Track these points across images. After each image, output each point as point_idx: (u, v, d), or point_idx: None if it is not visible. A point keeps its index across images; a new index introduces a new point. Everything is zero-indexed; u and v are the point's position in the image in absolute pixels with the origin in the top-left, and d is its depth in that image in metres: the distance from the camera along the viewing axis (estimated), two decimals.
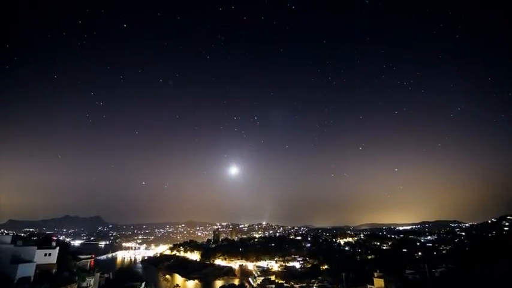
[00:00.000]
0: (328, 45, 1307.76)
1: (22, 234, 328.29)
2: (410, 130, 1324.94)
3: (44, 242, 70.49)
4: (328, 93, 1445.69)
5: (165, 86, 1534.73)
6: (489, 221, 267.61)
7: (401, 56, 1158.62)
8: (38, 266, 53.11)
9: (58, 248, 63.51)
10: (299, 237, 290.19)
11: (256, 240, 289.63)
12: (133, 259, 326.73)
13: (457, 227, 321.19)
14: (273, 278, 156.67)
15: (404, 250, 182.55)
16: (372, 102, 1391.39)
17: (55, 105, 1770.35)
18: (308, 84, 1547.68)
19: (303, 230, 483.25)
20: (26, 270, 49.64)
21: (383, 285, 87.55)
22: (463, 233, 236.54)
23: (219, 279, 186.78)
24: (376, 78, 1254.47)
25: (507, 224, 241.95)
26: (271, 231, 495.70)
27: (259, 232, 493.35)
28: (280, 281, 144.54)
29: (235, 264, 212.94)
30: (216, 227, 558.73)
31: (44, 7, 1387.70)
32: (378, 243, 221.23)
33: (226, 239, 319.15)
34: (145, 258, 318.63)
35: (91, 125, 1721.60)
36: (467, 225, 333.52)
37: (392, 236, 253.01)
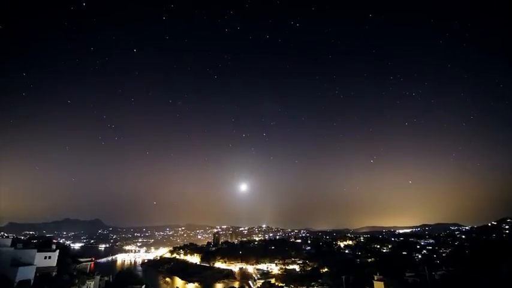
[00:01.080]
0: (333, 60, 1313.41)
1: (22, 237, 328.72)
2: (423, 140, 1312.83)
3: (44, 245, 70.54)
4: (336, 107, 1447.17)
5: (175, 107, 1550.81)
6: (489, 224, 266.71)
7: (408, 66, 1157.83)
8: (38, 269, 53.25)
9: (58, 251, 63.68)
10: (299, 240, 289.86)
11: (256, 243, 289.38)
12: (133, 262, 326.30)
13: (457, 230, 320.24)
14: (273, 281, 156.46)
15: (404, 253, 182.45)
16: (381, 114, 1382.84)
17: (69, 130, 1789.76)
18: (315, 99, 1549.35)
19: (303, 233, 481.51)
20: (26, 273, 49.79)
21: None
22: (463, 236, 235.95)
23: (219, 282, 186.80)
24: (384, 91, 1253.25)
25: (507, 227, 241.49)
26: (271, 234, 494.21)
27: (259, 235, 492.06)
28: (280, 284, 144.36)
29: (235, 267, 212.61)
30: (216, 230, 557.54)
31: (58, 35, 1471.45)
32: (378, 246, 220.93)
33: (226, 242, 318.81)
34: (146, 261, 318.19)
35: (103, 147, 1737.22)
36: (467, 228, 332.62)
37: (393, 239, 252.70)
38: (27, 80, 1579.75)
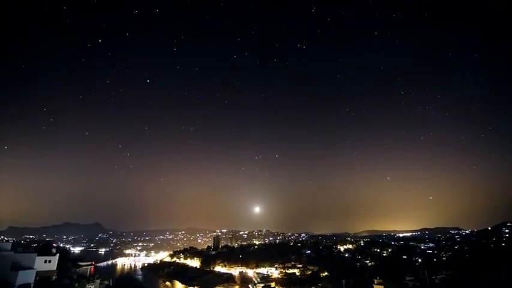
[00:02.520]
0: (342, 79, 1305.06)
1: (22, 241, 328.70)
2: (440, 154, 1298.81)
3: (44, 249, 70.75)
4: (348, 125, 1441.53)
5: (187, 132, 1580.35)
6: (489, 228, 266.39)
7: (418, 81, 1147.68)
8: (38, 273, 53.51)
9: (58, 254, 63.96)
10: (299, 244, 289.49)
11: (256, 247, 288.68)
12: (133, 266, 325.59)
13: (457, 234, 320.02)
14: (273, 284, 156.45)
15: (404, 257, 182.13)
16: (395, 130, 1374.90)
17: (87, 161, 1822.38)
18: (326, 118, 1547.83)
19: (303, 236, 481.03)
20: (26, 277, 50.02)
21: None
22: (464, 240, 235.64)
23: (219, 286, 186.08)
24: (396, 106, 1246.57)
25: (507, 230, 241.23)
26: (271, 238, 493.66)
27: (259, 239, 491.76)
28: None
29: (235, 271, 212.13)
30: (216, 234, 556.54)
31: (77, 72, 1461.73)
32: (378, 250, 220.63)
33: (226, 246, 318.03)
34: (146, 265, 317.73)
35: (118, 172, 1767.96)
36: (467, 232, 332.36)
37: (393, 243, 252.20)
38: (47, 115, 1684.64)
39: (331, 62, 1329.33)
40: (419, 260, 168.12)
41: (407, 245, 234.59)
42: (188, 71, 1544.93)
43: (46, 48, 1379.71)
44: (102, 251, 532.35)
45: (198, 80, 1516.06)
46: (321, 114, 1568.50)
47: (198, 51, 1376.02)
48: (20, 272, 49.14)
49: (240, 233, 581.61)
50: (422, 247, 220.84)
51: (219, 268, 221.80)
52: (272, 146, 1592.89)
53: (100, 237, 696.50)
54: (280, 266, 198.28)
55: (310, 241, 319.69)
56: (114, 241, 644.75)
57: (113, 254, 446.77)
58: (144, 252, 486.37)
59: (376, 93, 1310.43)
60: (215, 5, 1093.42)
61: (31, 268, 52.85)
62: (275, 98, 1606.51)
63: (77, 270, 74.52)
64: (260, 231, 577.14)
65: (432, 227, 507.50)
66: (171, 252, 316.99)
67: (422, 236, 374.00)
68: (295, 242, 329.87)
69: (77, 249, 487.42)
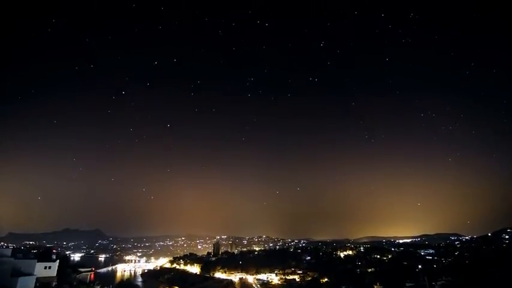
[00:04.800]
0: (357, 106, 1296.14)
1: (22, 247, 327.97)
2: (469, 173, 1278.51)
3: (44, 255, 71.10)
4: (369, 152, 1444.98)
5: (207, 171, 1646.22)
6: (489, 234, 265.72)
7: (437, 102, 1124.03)
8: (38, 279, 53.90)
9: (58, 261, 64.35)
10: (299, 250, 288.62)
11: (256, 253, 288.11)
12: (133, 272, 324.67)
13: (456, 240, 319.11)
14: None
15: (404, 263, 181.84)
16: (419, 154, 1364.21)
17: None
18: (346, 145, 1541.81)
19: (303, 243, 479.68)
20: (26, 283, 50.43)
21: None
22: (464, 246, 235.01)
23: None
24: (417, 130, 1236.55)
25: (507, 237, 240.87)
26: (271, 244, 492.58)
27: (260, 245, 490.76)
28: None
29: (235, 277, 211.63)
30: (216, 240, 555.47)
31: (103, 123, 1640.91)
32: (378, 256, 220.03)
33: (226, 252, 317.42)
34: (146, 271, 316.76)
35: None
36: (467, 238, 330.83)
37: (393, 249, 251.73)
38: (78, 165, 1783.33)
39: (344, 91, 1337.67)
40: (420, 266, 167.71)
41: (407, 251, 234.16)
42: (205, 114, 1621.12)
43: (76, 102, 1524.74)
44: (102, 257, 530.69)
45: (215, 121, 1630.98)
46: (340, 141, 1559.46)
47: (214, 94, 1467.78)
48: (20, 278, 49.53)
49: (240, 239, 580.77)
50: (422, 253, 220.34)
51: (219, 274, 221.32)
52: (293, 178, 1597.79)
53: (100, 243, 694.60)
54: (280, 272, 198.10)
55: (310, 247, 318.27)
56: (114, 247, 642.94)
57: (113, 260, 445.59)
58: (144, 258, 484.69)
59: (394, 118, 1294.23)
60: (227, 49, 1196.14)
61: (31, 274, 53.21)
62: (292, 131, 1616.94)
63: (77, 276, 74.67)
64: (260, 237, 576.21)
65: (432, 233, 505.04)
66: (171, 259, 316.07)
67: (422, 242, 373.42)
68: (295, 248, 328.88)
69: (77, 256, 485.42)
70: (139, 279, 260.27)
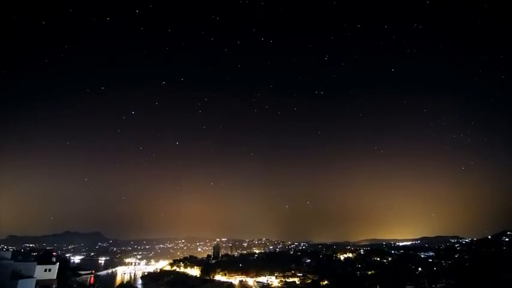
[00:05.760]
0: (365, 118, 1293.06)
1: (22, 250, 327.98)
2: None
3: (44, 258, 71.29)
4: (379, 164, 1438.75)
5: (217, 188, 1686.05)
6: (489, 237, 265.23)
7: (446, 110, 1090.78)
8: (38, 282, 54.00)
9: (58, 263, 64.53)
10: (299, 253, 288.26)
11: (256, 255, 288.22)
12: (133, 275, 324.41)
13: (457, 243, 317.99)
14: None
15: (404, 266, 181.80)
16: (432, 163, 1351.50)
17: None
18: (355, 156, 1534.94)
19: (303, 245, 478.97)
20: (26, 286, 50.50)
21: None
22: (464, 249, 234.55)
23: None
24: (427, 138, 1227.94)
25: (507, 239, 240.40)
26: (271, 247, 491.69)
27: (260, 248, 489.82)
28: None
29: (235, 279, 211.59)
30: (216, 243, 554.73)
31: (113, 143, 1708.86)
32: (378, 259, 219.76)
33: (226, 255, 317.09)
34: (146, 273, 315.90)
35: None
36: (467, 240, 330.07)
37: (393, 252, 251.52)
38: (90, 185, 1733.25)
39: (351, 103, 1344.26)
40: (420, 269, 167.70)
41: (407, 254, 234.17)
42: (213, 131, 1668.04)
43: (87, 123, 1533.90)
44: (102, 259, 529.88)
45: (223, 137, 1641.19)
46: (349, 155, 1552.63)
47: (221, 111, 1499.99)
48: (20, 281, 49.59)
49: (240, 241, 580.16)
50: (422, 256, 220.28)
51: (219, 277, 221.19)
52: (304, 194, 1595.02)
53: (100, 246, 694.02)
54: (280, 274, 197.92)
55: (310, 250, 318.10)
56: (114, 250, 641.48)
57: (113, 263, 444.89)
58: (144, 261, 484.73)
59: (404, 128, 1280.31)
60: (233, 66, 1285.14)
61: (31, 277, 53.31)
62: (301, 146, 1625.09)
63: (77, 279, 74.80)
64: (260, 240, 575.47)
65: (432, 235, 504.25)
66: (171, 261, 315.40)
67: (422, 244, 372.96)
68: (295, 251, 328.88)
69: (77, 258, 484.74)
70: (140, 281, 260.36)
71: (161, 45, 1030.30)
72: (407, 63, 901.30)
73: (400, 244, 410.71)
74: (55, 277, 61.15)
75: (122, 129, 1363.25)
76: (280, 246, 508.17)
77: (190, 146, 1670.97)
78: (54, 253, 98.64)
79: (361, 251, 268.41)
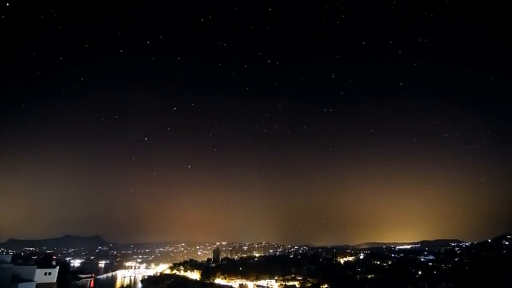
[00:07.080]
0: (376, 133, 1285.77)
1: (22, 254, 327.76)
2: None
3: (44, 261, 71.48)
4: (393, 177, 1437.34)
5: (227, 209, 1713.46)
6: (489, 240, 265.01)
7: (459, 121, 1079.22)
8: (38, 285, 54.24)
9: (58, 267, 64.73)
10: (299, 257, 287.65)
11: (256, 259, 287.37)
12: (133, 278, 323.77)
13: (457, 246, 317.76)
14: None
15: (404, 269, 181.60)
16: (448, 172, 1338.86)
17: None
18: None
19: (303, 249, 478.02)
20: None
21: None
22: (464, 252, 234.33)
23: None
24: (441, 150, 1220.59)
25: (507, 243, 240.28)
26: (271, 251, 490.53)
27: (260, 251, 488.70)
28: None
29: (235, 283, 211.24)
30: (216, 246, 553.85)
31: (125, 167, 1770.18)
32: (378, 262, 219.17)
33: (226, 258, 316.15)
34: (146, 277, 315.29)
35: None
36: (467, 244, 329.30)
37: (392, 255, 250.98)
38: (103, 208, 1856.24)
39: (361, 118, 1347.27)
40: (420, 272, 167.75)
41: (407, 257, 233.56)
42: (224, 154, 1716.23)
43: (103, 147, 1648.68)
44: (102, 263, 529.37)
45: (235, 159, 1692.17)
46: (360, 171, 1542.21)
47: (231, 134, 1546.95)
48: (20, 285, 49.81)
49: (240, 245, 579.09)
50: (422, 259, 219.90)
51: (219, 280, 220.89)
52: (317, 210, 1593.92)
53: (100, 249, 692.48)
54: (280, 278, 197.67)
55: (310, 253, 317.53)
56: (114, 253, 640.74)
57: (112, 267, 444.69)
58: (144, 264, 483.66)
59: (416, 141, 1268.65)
60: (241, 89, 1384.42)
61: (31, 280, 53.52)
62: (312, 164, 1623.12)
63: (77, 282, 74.97)
64: (260, 243, 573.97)
65: (432, 239, 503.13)
66: (171, 265, 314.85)
67: (422, 248, 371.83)
68: (295, 255, 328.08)
69: (77, 262, 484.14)
70: (140, 285, 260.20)
71: (172, 73, 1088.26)
72: (415, 76, 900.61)
73: (400, 247, 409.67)
74: (55, 280, 61.31)
75: (135, 155, 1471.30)
76: (280, 249, 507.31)
77: (201, 169, 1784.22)
78: (54, 257, 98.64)
79: (361, 254, 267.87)
